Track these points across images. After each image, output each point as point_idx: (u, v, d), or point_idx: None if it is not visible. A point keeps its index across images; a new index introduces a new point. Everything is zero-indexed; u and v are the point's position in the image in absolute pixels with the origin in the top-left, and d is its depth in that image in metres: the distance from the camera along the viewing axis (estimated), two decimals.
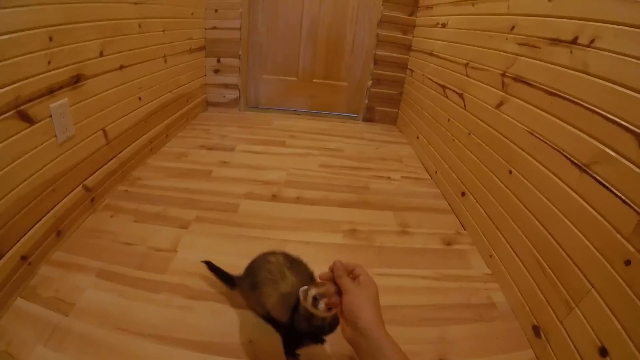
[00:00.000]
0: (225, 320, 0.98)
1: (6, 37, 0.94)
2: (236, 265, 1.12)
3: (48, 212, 1.15)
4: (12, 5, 0.95)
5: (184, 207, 1.48)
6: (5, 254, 0.98)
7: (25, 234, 1.05)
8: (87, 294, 1.02)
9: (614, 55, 0.83)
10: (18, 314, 0.95)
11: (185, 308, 1.01)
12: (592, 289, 0.81)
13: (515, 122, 1.21)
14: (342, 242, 1.37)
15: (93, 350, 0.87)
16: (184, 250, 1.23)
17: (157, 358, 0.87)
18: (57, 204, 1.20)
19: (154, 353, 0.88)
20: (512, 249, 1.15)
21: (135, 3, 1.60)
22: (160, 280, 1.10)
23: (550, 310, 0.94)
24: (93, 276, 1.08)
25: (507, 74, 1.29)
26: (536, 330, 0.98)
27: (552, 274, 0.95)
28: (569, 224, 0.91)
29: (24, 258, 1.04)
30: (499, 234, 1.23)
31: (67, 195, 1.25)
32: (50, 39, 1.10)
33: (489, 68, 1.43)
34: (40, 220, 1.11)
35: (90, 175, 1.38)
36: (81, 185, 1.32)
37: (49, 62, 1.11)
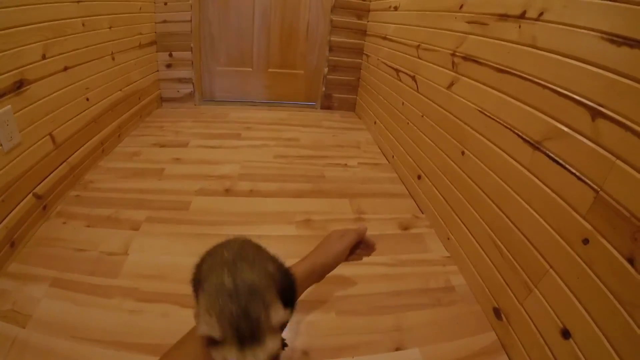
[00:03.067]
0: (175, 322, 0.95)
1: None
2: (187, 265, 1.08)
3: (0, 224, 1.11)
4: None
5: (135, 208, 1.42)
6: None
7: None
8: (42, 304, 1.00)
9: (562, 27, 0.81)
10: None
11: (137, 312, 0.99)
12: (551, 270, 0.79)
13: (466, 101, 1.19)
14: (295, 233, 1.33)
15: None
16: (135, 252, 1.20)
17: None
18: (8, 214, 1.15)
19: (107, 359, 0.87)
20: (469, 231, 1.14)
21: (78, 1, 1.52)
22: (112, 284, 1.08)
23: (510, 292, 0.92)
24: (47, 285, 1.06)
25: (456, 53, 1.27)
26: (497, 312, 0.97)
27: (509, 255, 0.94)
28: (524, 203, 0.89)
29: None
30: (456, 216, 1.22)
31: (18, 204, 1.20)
32: None
33: (440, 49, 1.40)
34: None
35: (40, 183, 1.32)
36: (31, 194, 1.26)
37: None
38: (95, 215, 1.37)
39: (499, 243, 0.98)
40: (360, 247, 0.86)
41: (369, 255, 0.88)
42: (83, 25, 1.57)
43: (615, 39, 0.68)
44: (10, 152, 1.15)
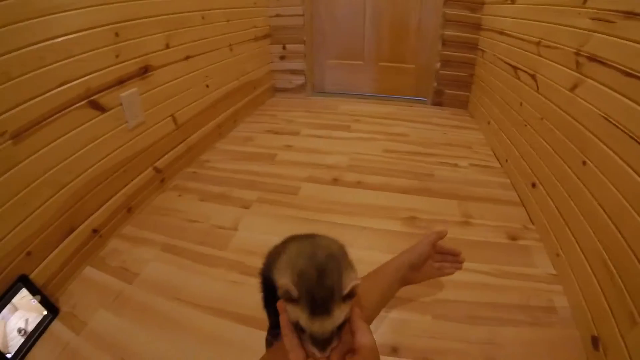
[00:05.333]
0: None
1: (73, 36, 1.05)
2: None
3: (120, 191, 1.29)
4: (76, 7, 1.05)
5: (247, 188, 1.55)
6: (77, 227, 1.11)
7: (97, 210, 1.19)
8: (150, 265, 1.13)
9: None
10: (86, 280, 1.09)
11: (239, 283, 1.08)
12: None
13: (590, 106, 1.08)
14: (399, 229, 1.34)
15: (149, 316, 0.98)
16: (244, 229, 1.30)
17: (206, 327, 0.96)
18: (129, 183, 1.33)
19: (203, 323, 0.97)
20: (581, 249, 1.04)
21: None
22: (219, 256, 1.18)
23: (614, 321, 0.84)
24: (158, 249, 1.20)
25: (581, 52, 1.15)
26: (595, 341, 0.89)
27: (620, 281, 0.84)
28: None
29: (95, 231, 1.18)
30: (568, 232, 1.12)
31: (138, 175, 1.38)
32: (117, 34, 1.21)
33: (562, 46, 1.28)
34: (111, 198, 1.25)
35: (160, 158, 1.50)
36: (152, 167, 1.45)
37: (117, 56, 1.22)
38: (208, 191, 1.52)
39: (611, 266, 0.88)
40: (444, 259, 0.84)
41: (458, 267, 0.85)
42: (202, 18, 1.73)
43: None
44: (134, 129, 1.31)
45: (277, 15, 2.60)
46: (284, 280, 0.45)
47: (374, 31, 2.66)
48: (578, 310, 1.00)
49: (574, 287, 1.04)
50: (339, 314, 0.44)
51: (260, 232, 1.28)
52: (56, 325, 0.96)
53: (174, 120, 1.58)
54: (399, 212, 1.43)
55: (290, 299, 0.45)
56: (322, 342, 0.44)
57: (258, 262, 1.13)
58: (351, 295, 0.45)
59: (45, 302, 0.97)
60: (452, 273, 0.85)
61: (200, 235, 1.27)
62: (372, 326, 0.95)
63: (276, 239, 1.23)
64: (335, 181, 1.64)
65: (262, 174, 1.68)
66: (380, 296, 0.69)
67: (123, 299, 1.02)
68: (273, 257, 0.57)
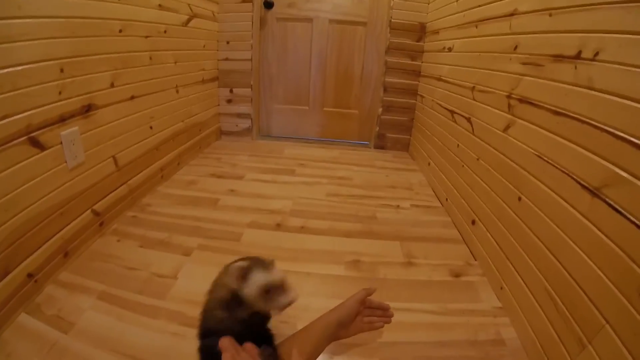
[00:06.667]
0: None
1: (18, 68, 0.99)
2: None
3: (56, 234, 1.19)
4: (24, 39, 1.00)
5: (188, 234, 1.48)
6: (12, 270, 1.02)
7: (33, 253, 1.09)
8: (87, 314, 1.05)
9: (619, 67, 0.77)
10: (21, 328, 0.99)
11: (180, 335, 1.00)
12: (607, 325, 0.72)
13: (523, 145, 1.15)
14: (344, 273, 1.31)
15: None
16: (184, 277, 1.23)
17: None
18: (66, 226, 1.23)
19: None
20: (523, 281, 1.06)
21: (146, 36, 1.65)
22: (158, 306, 1.10)
23: (563, 347, 0.85)
24: (95, 298, 1.11)
25: (512, 95, 1.24)
26: None
27: (563, 307, 0.86)
28: (581, 253, 0.83)
29: (30, 276, 1.08)
30: (510, 265, 1.15)
31: (76, 218, 1.28)
32: (62, 70, 1.15)
33: (495, 90, 1.37)
34: (48, 241, 1.15)
35: (99, 201, 1.41)
36: (90, 210, 1.35)
37: (60, 92, 1.16)
38: (149, 237, 1.43)
39: (554, 295, 0.91)
40: (373, 313, 0.87)
41: (387, 320, 0.88)
42: (150, 58, 1.69)
43: None
44: (73, 170, 1.24)
45: (226, 59, 2.62)
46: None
47: (319, 78, 2.75)
48: (527, 340, 1.01)
49: (520, 318, 1.05)
50: None
51: (201, 280, 1.18)
52: None
53: (115, 161, 1.50)
54: (343, 256, 1.40)
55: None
56: None
57: (198, 312, 1.01)
58: None
59: None
60: (381, 326, 0.87)
61: (139, 283, 1.19)
62: None
63: None
64: (278, 226, 1.60)
65: (204, 220, 1.61)
66: (309, 354, 0.71)
67: (59, 349, 0.93)
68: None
